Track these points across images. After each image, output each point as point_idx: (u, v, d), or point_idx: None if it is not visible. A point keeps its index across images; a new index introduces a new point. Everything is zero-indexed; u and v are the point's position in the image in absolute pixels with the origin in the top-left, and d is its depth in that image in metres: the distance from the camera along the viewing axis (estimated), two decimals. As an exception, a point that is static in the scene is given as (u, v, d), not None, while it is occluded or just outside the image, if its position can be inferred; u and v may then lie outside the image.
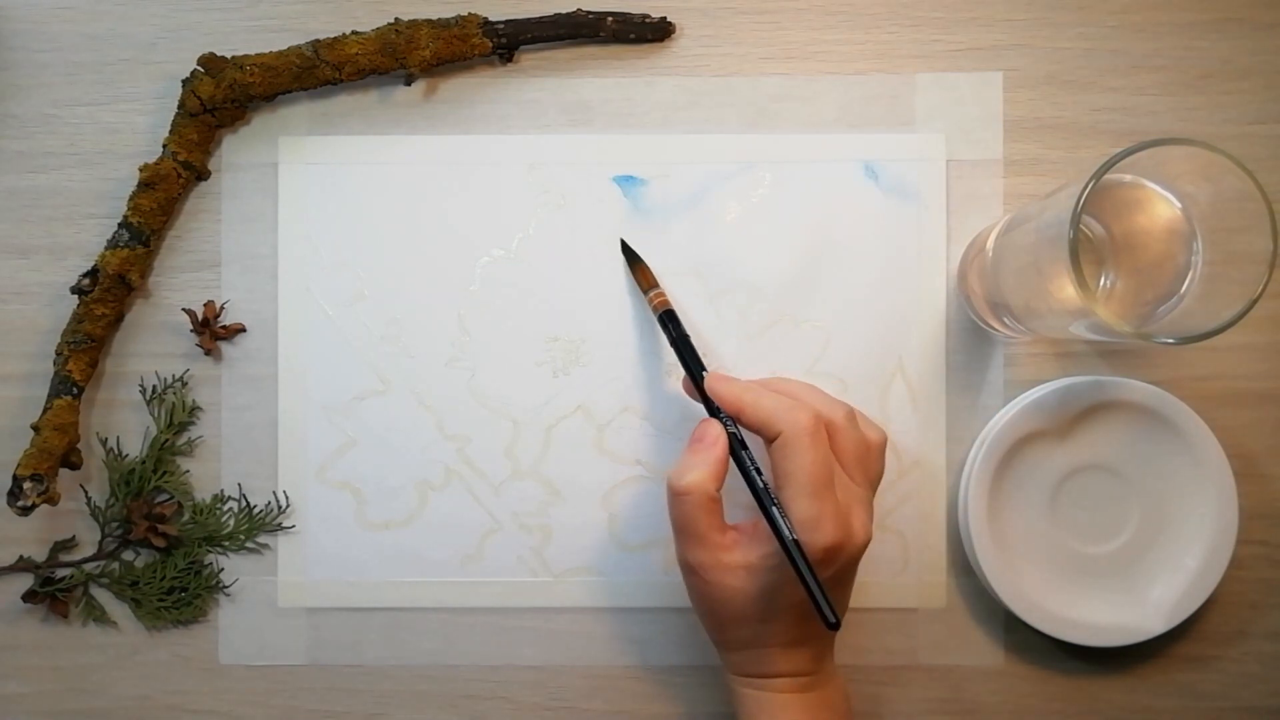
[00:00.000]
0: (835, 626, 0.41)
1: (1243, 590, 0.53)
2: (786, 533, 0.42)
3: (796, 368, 0.53)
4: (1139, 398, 0.51)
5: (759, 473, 0.44)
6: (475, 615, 0.54)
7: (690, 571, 0.46)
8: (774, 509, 0.43)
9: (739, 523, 0.46)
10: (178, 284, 0.54)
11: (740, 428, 0.46)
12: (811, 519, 0.42)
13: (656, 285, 0.52)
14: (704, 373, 0.47)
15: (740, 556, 0.45)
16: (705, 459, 0.45)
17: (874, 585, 0.53)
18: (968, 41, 0.54)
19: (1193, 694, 0.53)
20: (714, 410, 0.47)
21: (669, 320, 0.50)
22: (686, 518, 0.45)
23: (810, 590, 0.42)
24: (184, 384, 0.54)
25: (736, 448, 0.45)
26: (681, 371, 0.49)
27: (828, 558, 0.42)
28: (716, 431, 0.46)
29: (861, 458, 0.46)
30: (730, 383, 0.46)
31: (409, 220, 0.54)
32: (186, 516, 0.54)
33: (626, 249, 0.53)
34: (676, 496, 0.45)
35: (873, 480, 0.47)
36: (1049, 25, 0.54)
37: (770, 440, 0.44)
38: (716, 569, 0.45)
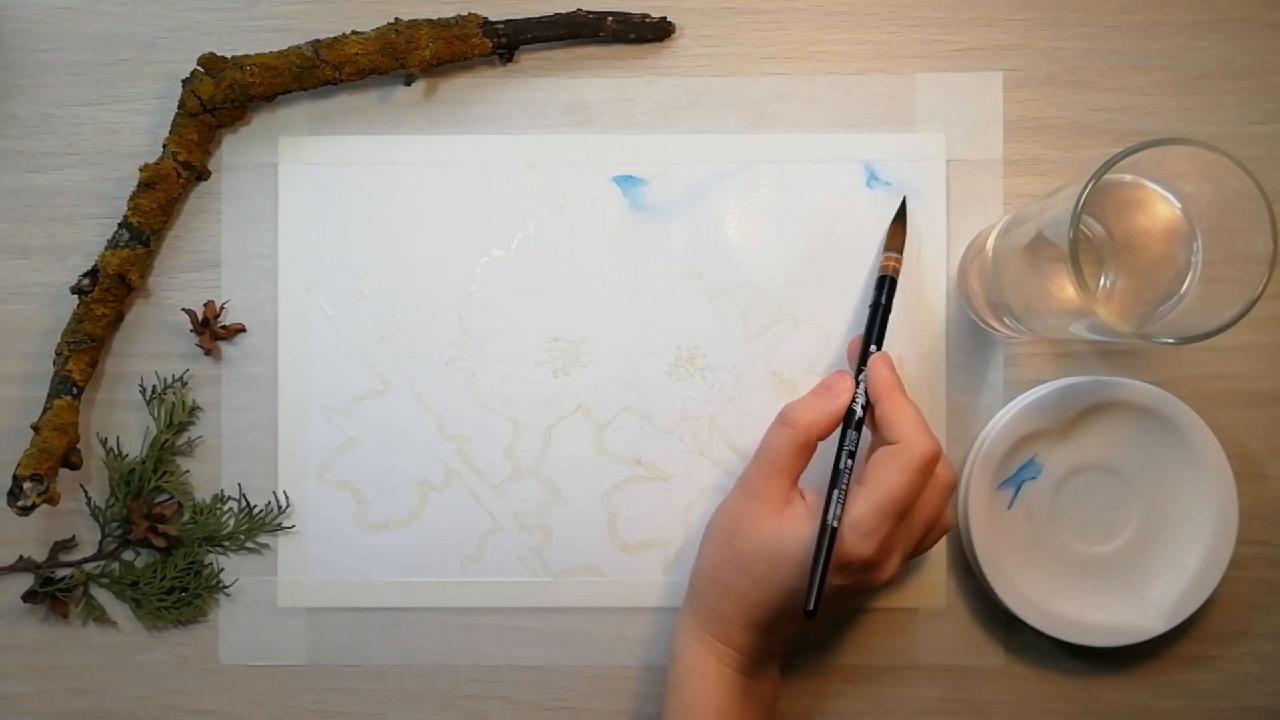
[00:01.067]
0: (811, 615, 0.42)
1: (1243, 590, 0.53)
2: (831, 517, 0.43)
3: (796, 368, 0.53)
4: (1139, 398, 0.51)
5: (851, 456, 0.45)
6: (475, 615, 0.54)
7: (746, 491, 0.47)
8: (836, 491, 0.44)
9: (807, 490, 0.47)
10: (178, 284, 0.54)
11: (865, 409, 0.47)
12: (866, 529, 0.43)
13: (899, 250, 0.51)
14: (875, 349, 0.48)
15: (788, 514, 0.45)
16: (825, 405, 0.46)
17: (874, 585, 0.53)
18: (968, 41, 0.54)
19: (1193, 694, 0.53)
20: (861, 362, 0.48)
21: (883, 286, 0.50)
22: (778, 447, 0.46)
23: (814, 570, 0.42)
24: (184, 384, 0.54)
25: (850, 420, 0.46)
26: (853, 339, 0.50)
27: (852, 567, 0.43)
28: (846, 385, 0.47)
29: (931, 524, 0.47)
30: (891, 373, 0.47)
31: (409, 220, 0.54)
32: (186, 516, 0.54)
33: (903, 210, 0.52)
34: (782, 425, 0.46)
35: (921, 549, 0.48)
36: (1049, 25, 0.54)
37: (885, 442, 0.44)
38: (767, 505, 0.46)
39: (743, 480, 0.48)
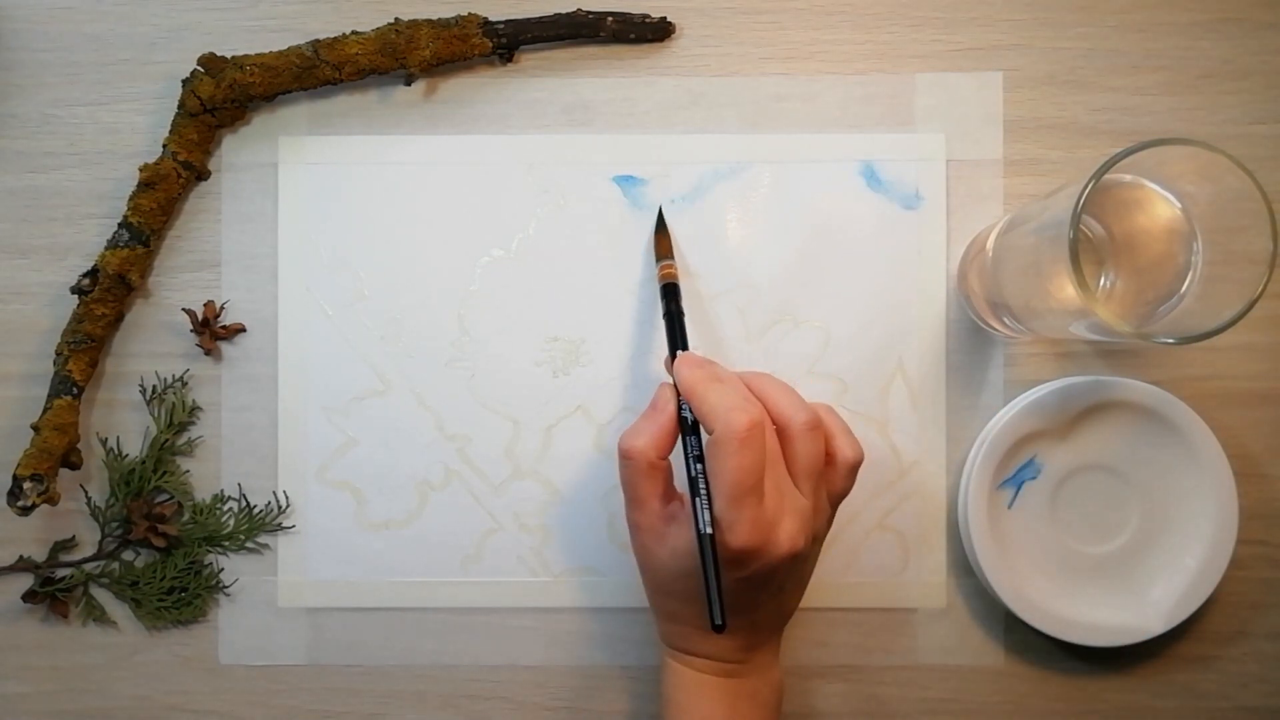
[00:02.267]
0: (720, 628, 0.40)
1: (1243, 590, 0.53)
2: (700, 525, 0.42)
3: (796, 368, 0.53)
4: (1139, 398, 0.51)
5: (699, 460, 0.44)
6: (475, 615, 0.54)
7: (630, 529, 0.47)
8: (696, 499, 0.43)
9: (686, 498, 0.45)
10: (178, 284, 0.54)
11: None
12: (726, 522, 0.42)
13: (670, 257, 0.51)
14: (679, 351, 0.47)
15: (673, 533, 0.45)
16: (652, 425, 0.45)
17: (874, 585, 0.53)
18: (968, 41, 0.54)
19: (1193, 694, 0.53)
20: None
21: (669, 294, 0.50)
22: (628, 480, 0.46)
23: (706, 582, 0.41)
24: (184, 384, 0.54)
25: (685, 428, 0.45)
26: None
27: (741, 559, 0.42)
28: (666, 398, 0.46)
29: (814, 469, 0.44)
30: (693, 369, 0.45)
31: (409, 220, 0.54)
32: (186, 516, 0.54)
33: (661, 218, 0.53)
34: (620, 458, 0.45)
35: (833, 495, 0.46)
36: (1049, 25, 0.54)
37: (709, 434, 0.43)
38: (651, 535, 0.45)
39: (627, 520, 0.47)
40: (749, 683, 0.47)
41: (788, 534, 0.43)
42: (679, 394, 0.46)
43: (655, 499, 0.45)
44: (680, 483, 0.46)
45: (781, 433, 0.45)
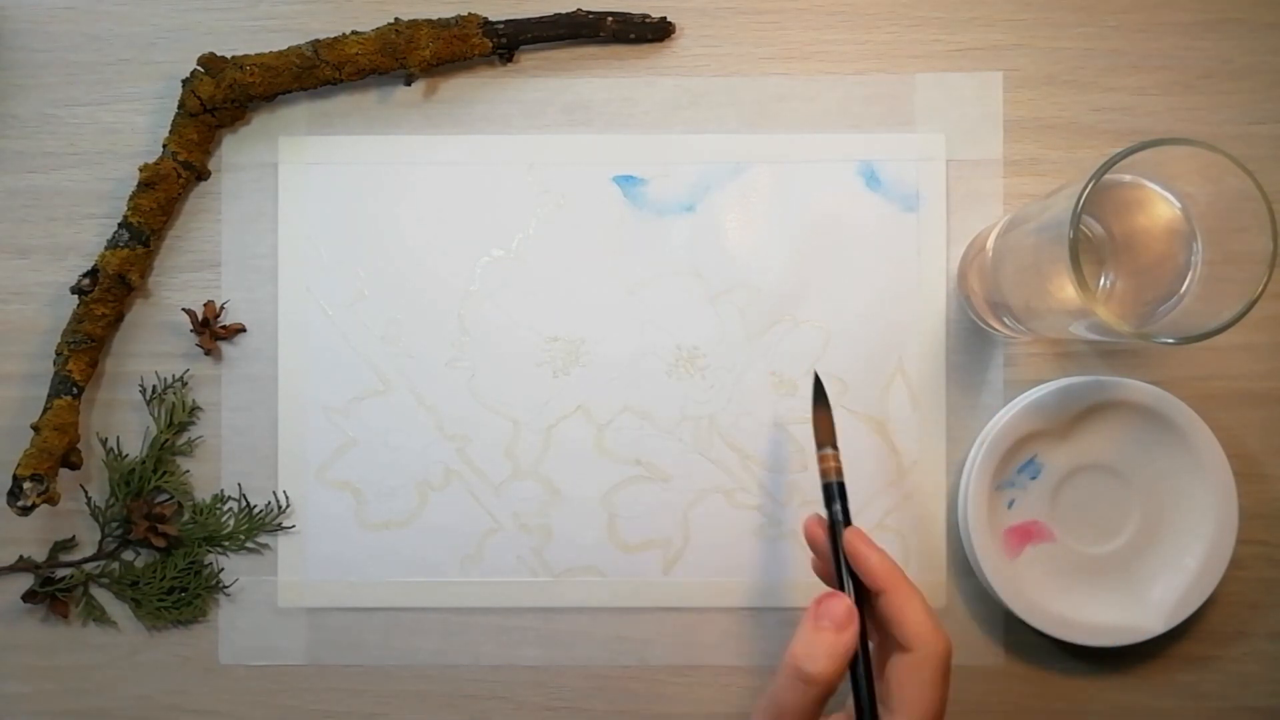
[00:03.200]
0: None
1: (1243, 590, 0.53)
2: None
3: (796, 368, 0.53)
4: (1139, 398, 0.51)
5: (864, 646, 0.42)
6: (475, 615, 0.54)
7: None
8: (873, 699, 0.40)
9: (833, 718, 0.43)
10: (178, 284, 0.54)
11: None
12: None
13: (833, 444, 0.46)
14: (848, 533, 0.43)
15: None
16: (836, 648, 0.40)
17: (874, 585, 0.53)
18: (968, 41, 0.54)
19: (1193, 694, 0.53)
20: (838, 570, 0.43)
21: (834, 494, 0.45)
22: (800, 708, 0.40)
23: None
24: (184, 384, 0.54)
25: (859, 624, 0.41)
26: (816, 510, 0.46)
27: None
28: (848, 615, 0.41)
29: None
30: (882, 553, 0.42)
31: (409, 220, 0.54)
32: (186, 516, 0.54)
33: (819, 387, 0.48)
34: (798, 681, 0.40)
35: None
36: (1049, 25, 0.54)
37: (897, 643, 0.41)
38: None
39: (765, 709, 0.41)
40: None
41: None
42: (843, 580, 0.43)
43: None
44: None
45: None
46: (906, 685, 0.39)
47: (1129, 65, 0.53)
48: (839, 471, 0.45)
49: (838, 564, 0.43)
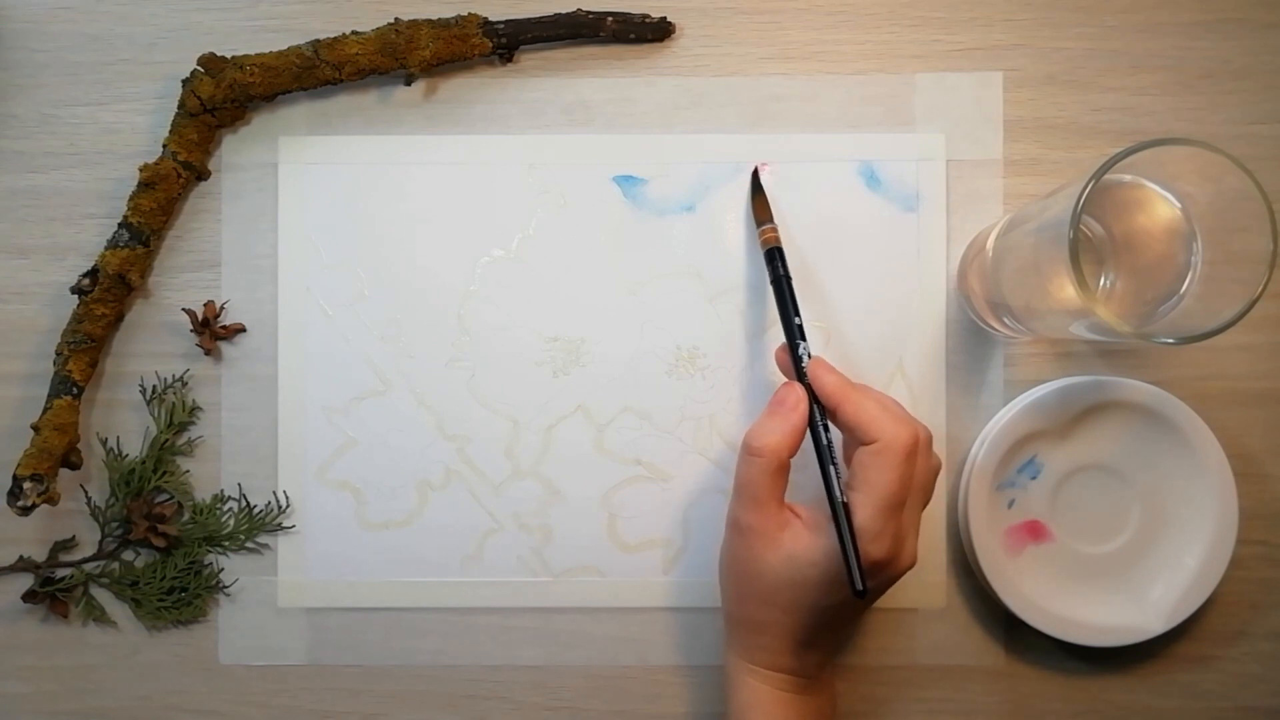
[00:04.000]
0: (863, 594, 0.42)
1: (1243, 590, 0.53)
2: (839, 494, 0.43)
3: (796, 368, 0.53)
4: (1139, 398, 0.51)
5: (827, 429, 0.45)
6: (475, 615, 0.54)
7: (738, 531, 0.46)
8: (831, 468, 0.44)
9: (798, 506, 0.46)
10: (178, 284, 0.54)
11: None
12: (874, 533, 0.43)
13: (771, 220, 0.51)
14: (808, 358, 0.47)
15: (789, 539, 0.45)
16: (784, 424, 0.45)
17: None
18: (968, 41, 0.54)
19: (1193, 694, 0.53)
20: (801, 375, 0.47)
21: (774, 258, 0.49)
22: (753, 479, 0.45)
23: (844, 550, 0.42)
24: (184, 384, 0.54)
25: (815, 414, 0.46)
26: (773, 336, 0.49)
27: (873, 570, 0.43)
28: (798, 396, 0.46)
29: (927, 485, 0.46)
30: (834, 373, 0.46)
31: (409, 220, 0.54)
32: (186, 516, 0.54)
33: (756, 180, 0.53)
34: (750, 456, 0.45)
35: (927, 504, 0.48)
36: (1049, 25, 0.54)
37: (862, 443, 0.44)
38: (763, 539, 0.45)
39: (731, 520, 0.47)
40: (817, 699, 0.48)
41: (910, 550, 0.45)
42: (810, 394, 0.46)
43: (774, 502, 0.45)
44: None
45: None
46: (870, 468, 0.43)
47: (1129, 65, 0.53)
48: (777, 240, 0.50)
49: (798, 371, 0.47)
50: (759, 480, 0.45)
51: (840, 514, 0.43)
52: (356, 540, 0.54)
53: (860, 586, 0.42)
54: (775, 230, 0.51)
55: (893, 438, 0.43)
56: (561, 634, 0.54)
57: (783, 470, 0.45)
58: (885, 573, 0.44)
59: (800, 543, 0.45)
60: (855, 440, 0.45)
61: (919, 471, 0.45)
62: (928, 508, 0.53)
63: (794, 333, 0.48)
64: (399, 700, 0.54)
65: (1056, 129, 0.53)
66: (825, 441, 0.45)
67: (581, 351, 0.54)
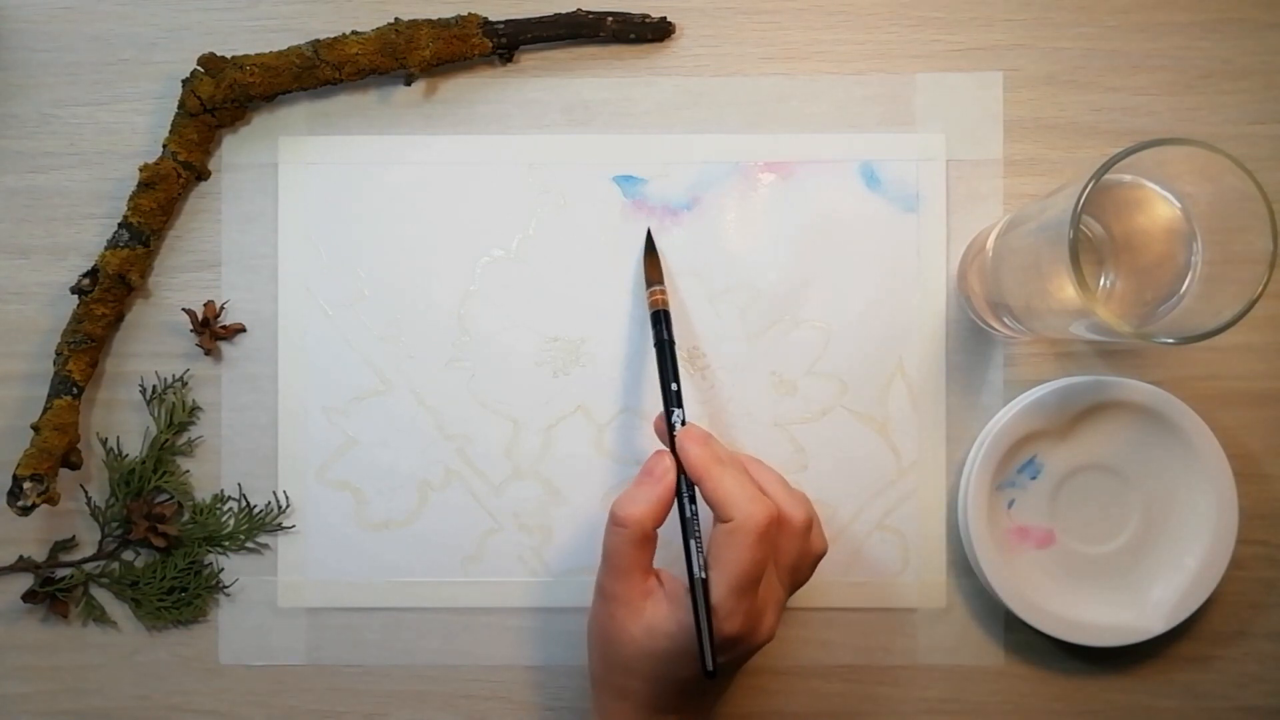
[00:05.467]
0: (712, 675, 0.42)
1: (1243, 590, 0.53)
2: (696, 568, 0.43)
3: (796, 368, 0.53)
4: (1139, 398, 0.51)
5: (693, 500, 0.45)
6: (475, 615, 0.54)
7: (603, 598, 0.46)
8: (692, 541, 0.44)
9: (665, 574, 0.46)
10: (178, 284, 0.54)
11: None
12: (728, 610, 0.42)
13: (660, 282, 0.51)
14: (680, 426, 0.46)
15: (650, 608, 0.45)
16: (650, 494, 0.45)
17: (874, 585, 0.53)
18: (968, 41, 0.54)
19: (1193, 694, 0.53)
20: (673, 444, 0.46)
21: (660, 320, 0.49)
22: (617, 549, 0.45)
23: (699, 629, 0.42)
24: (184, 384, 0.54)
25: (682, 486, 0.45)
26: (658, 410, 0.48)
27: (725, 645, 0.43)
28: (665, 467, 0.45)
29: (796, 566, 0.46)
30: (702, 446, 0.45)
31: (409, 220, 0.54)
32: (186, 516, 0.54)
33: (650, 240, 0.53)
34: (614, 525, 0.45)
35: (798, 585, 0.47)
36: (1049, 25, 0.54)
37: (719, 520, 0.43)
38: (626, 607, 0.45)
39: (598, 588, 0.46)
40: None
41: (768, 625, 0.44)
42: (678, 465, 0.45)
43: (639, 571, 0.45)
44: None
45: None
46: (724, 547, 0.43)
47: (1129, 65, 0.53)
48: (665, 303, 0.50)
49: (671, 444, 0.46)
50: (622, 550, 0.45)
51: (697, 590, 0.42)
52: (356, 540, 0.54)
53: (710, 667, 0.41)
54: (664, 293, 0.50)
55: (745, 517, 0.42)
56: (561, 634, 0.54)
57: (648, 540, 0.45)
58: (739, 648, 0.44)
59: (659, 613, 0.44)
60: (716, 519, 0.44)
61: (782, 552, 0.45)
62: (927, 508, 0.53)
63: (670, 399, 0.47)
64: (399, 700, 0.54)
65: (1056, 129, 0.53)
66: (690, 514, 0.44)
67: (581, 351, 0.54)
